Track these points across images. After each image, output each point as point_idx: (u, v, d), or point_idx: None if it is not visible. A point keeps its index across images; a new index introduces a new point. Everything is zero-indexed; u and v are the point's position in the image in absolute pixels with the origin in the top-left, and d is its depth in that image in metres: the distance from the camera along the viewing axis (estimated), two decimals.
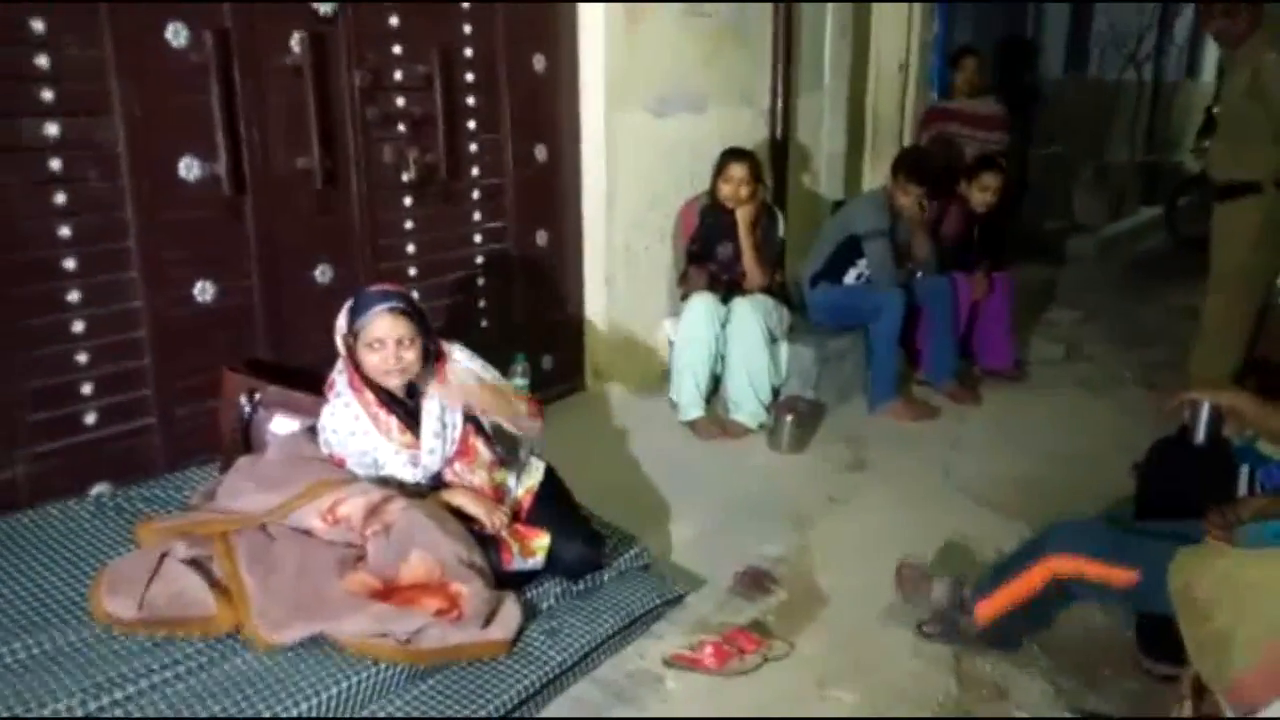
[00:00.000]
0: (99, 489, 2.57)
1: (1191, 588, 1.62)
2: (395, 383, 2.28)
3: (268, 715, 1.82)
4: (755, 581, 2.69)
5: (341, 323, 2.29)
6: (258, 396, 2.57)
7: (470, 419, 2.42)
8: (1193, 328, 4.81)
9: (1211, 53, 11.56)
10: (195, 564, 2.08)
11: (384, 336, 2.22)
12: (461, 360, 2.44)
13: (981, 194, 4.30)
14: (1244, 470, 2.14)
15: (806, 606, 2.60)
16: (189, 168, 2.60)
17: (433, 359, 2.33)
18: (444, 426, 2.35)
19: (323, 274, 2.98)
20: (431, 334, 2.34)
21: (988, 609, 2.20)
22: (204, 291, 2.69)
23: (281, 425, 2.55)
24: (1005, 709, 2.21)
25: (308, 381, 2.63)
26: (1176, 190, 7.97)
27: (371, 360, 2.23)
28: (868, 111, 5.89)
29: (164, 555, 2.07)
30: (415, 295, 2.44)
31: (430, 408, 2.33)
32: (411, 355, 2.24)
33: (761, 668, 2.33)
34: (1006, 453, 3.64)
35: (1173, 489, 2.35)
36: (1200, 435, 2.23)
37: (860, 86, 5.64)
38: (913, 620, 2.49)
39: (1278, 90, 3.27)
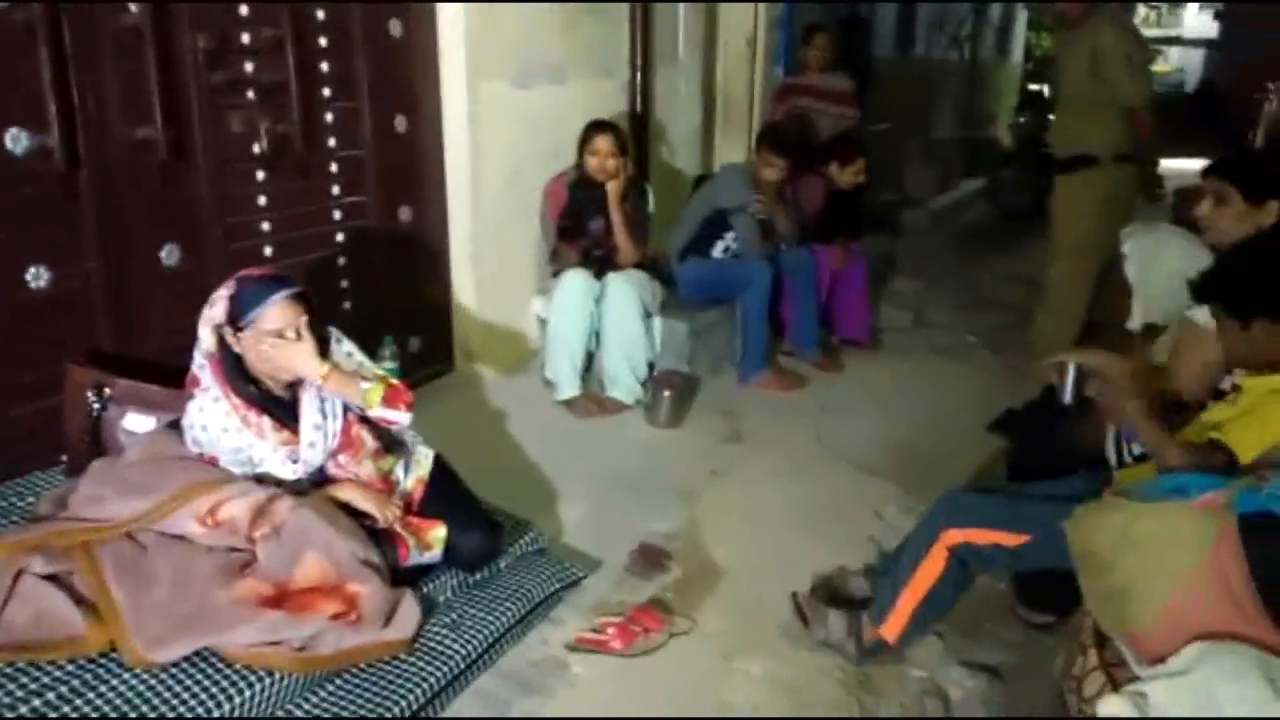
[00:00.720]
0: None
1: (1090, 541, 1.71)
2: (287, 378, 2.12)
3: None
4: (650, 559, 2.68)
5: (218, 313, 2.07)
6: (107, 392, 2.33)
7: (352, 409, 2.27)
8: (1024, 292, 5.15)
9: (1020, 35, 12.36)
10: (56, 580, 1.86)
11: (284, 327, 2.05)
12: (341, 342, 2.30)
13: (854, 176, 4.47)
14: (1111, 431, 2.27)
15: (703, 580, 2.61)
16: (16, 140, 2.30)
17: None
18: (324, 418, 2.19)
19: (169, 255, 2.72)
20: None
21: (895, 624, 2.18)
22: (37, 277, 2.40)
23: (136, 423, 2.32)
24: (903, 670, 2.28)
25: (159, 373, 2.41)
26: (998, 164, 8.46)
27: (265, 354, 2.05)
28: (717, 87, 5.95)
29: (19, 572, 1.84)
30: None
31: (309, 399, 2.17)
32: (308, 345, 2.08)
33: (667, 645, 2.32)
34: (873, 417, 3.77)
35: (1044, 449, 2.48)
36: (1068, 396, 2.35)
37: (710, 63, 5.68)
38: (806, 583, 2.55)
39: (1116, 68, 3.50)
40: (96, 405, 2.31)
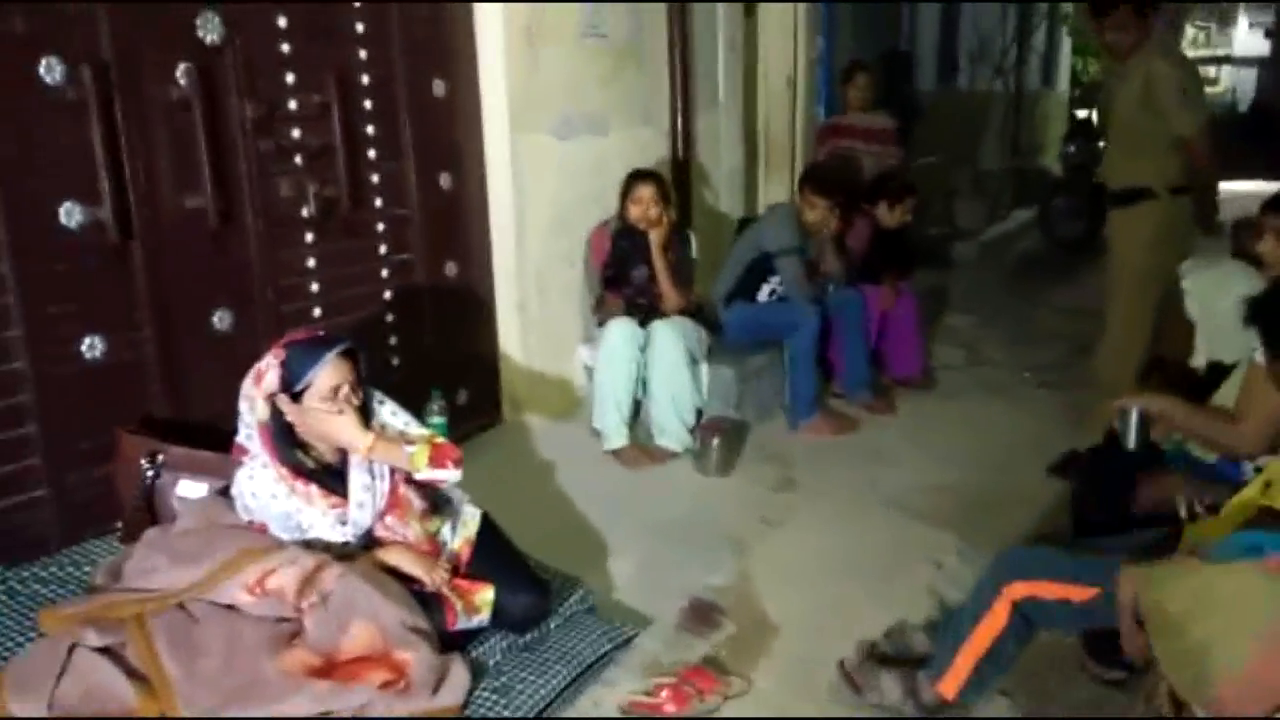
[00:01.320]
0: None
1: (1164, 602, 1.63)
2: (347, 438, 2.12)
3: None
4: (703, 615, 2.63)
5: (270, 381, 2.08)
6: (160, 459, 2.36)
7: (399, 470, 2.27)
8: (1079, 325, 5.03)
9: (1065, 63, 12.25)
10: (108, 653, 1.87)
11: (341, 382, 2.07)
12: (385, 407, 2.30)
13: (903, 216, 4.44)
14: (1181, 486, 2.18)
15: (757, 638, 2.55)
16: (70, 213, 2.36)
17: (371, 413, 2.18)
18: (373, 479, 2.19)
19: (221, 320, 2.77)
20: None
21: (954, 680, 2.09)
22: (92, 347, 2.45)
23: (189, 489, 2.34)
24: None
25: (212, 439, 2.43)
26: (1049, 194, 8.34)
27: (325, 414, 2.06)
28: (759, 128, 5.96)
29: (73, 646, 1.85)
30: None
31: (357, 460, 2.17)
32: (360, 401, 2.09)
33: (721, 708, 2.26)
34: (927, 461, 3.68)
35: (1110, 499, 2.40)
36: (1131, 441, 2.27)
37: (751, 104, 5.69)
38: (865, 639, 2.47)
39: (1168, 99, 3.42)
40: (150, 473, 2.34)
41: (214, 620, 1.92)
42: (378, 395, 2.30)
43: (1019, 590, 2.01)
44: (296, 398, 2.08)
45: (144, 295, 2.56)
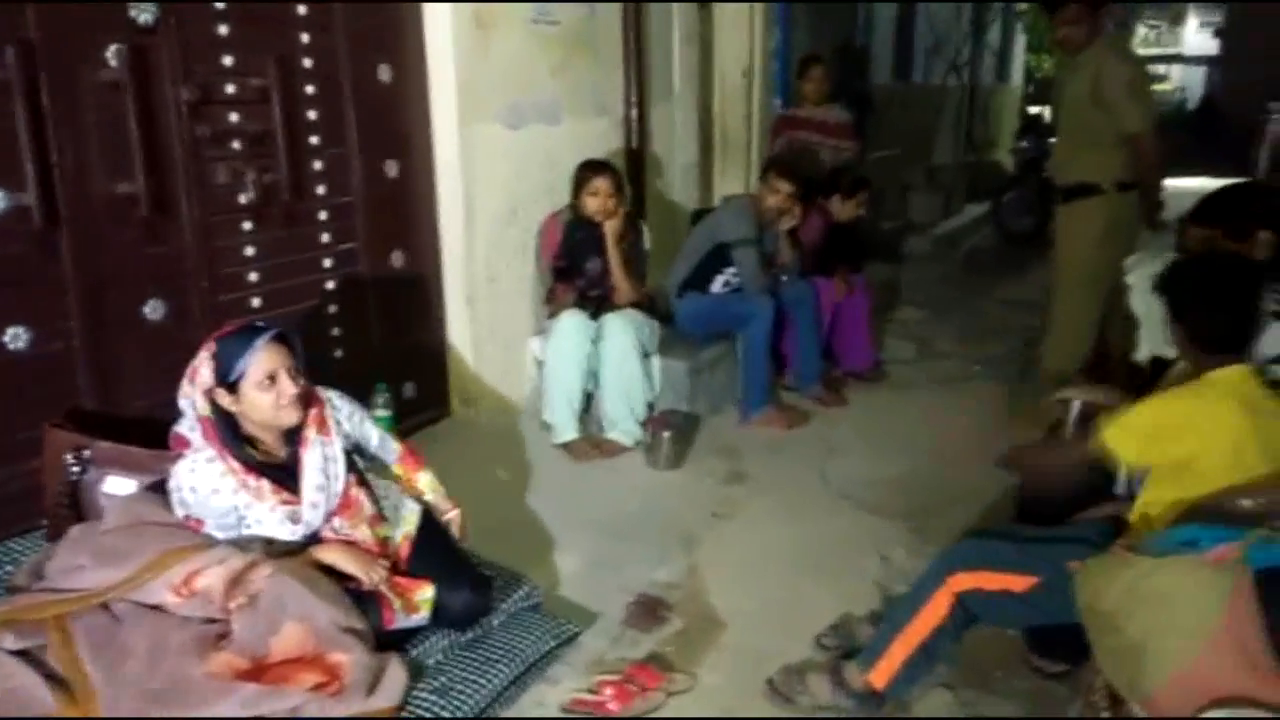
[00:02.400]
0: None
1: (1099, 599, 1.63)
2: (289, 421, 2.06)
3: None
4: (649, 611, 2.60)
5: (205, 376, 2.01)
6: (86, 454, 2.27)
7: (353, 469, 2.21)
8: (1029, 318, 5.08)
9: (1019, 59, 12.38)
10: (27, 656, 1.79)
11: (276, 368, 2.01)
12: (341, 406, 2.25)
13: (856, 209, 4.43)
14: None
15: (704, 633, 2.53)
16: None
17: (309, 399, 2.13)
18: (327, 479, 2.14)
19: (153, 310, 2.69)
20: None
21: (885, 670, 2.09)
22: (16, 339, 2.36)
23: (117, 486, 2.26)
24: None
25: (143, 433, 2.34)
26: (1001, 188, 8.42)
27: (263, 402, 2.00)
28: (715, 120, 5.92)
29: None
30: None
31: (311, 459, 2.12)
32: (299, 388, 2.04)
33: (665, 705, 2.24)
34: (878, 454, 3.69)
35: (1051, 485, 2.41)
36: (1071, 432, 2.29)
37: (707, 95, 5.66)
38: (811, 633, 2.47)
39: (1117, 95, 3.45)
40: (76, 468, 2.25)
41: (139, 621, 1.85)
42: (332, 397, 2.25)
43: (962, 581, 2.01)
44: (233, 389, 2.02)
45: (72, 284, 2.48)
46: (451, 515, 2.43)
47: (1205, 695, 1.48)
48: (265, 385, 2.01)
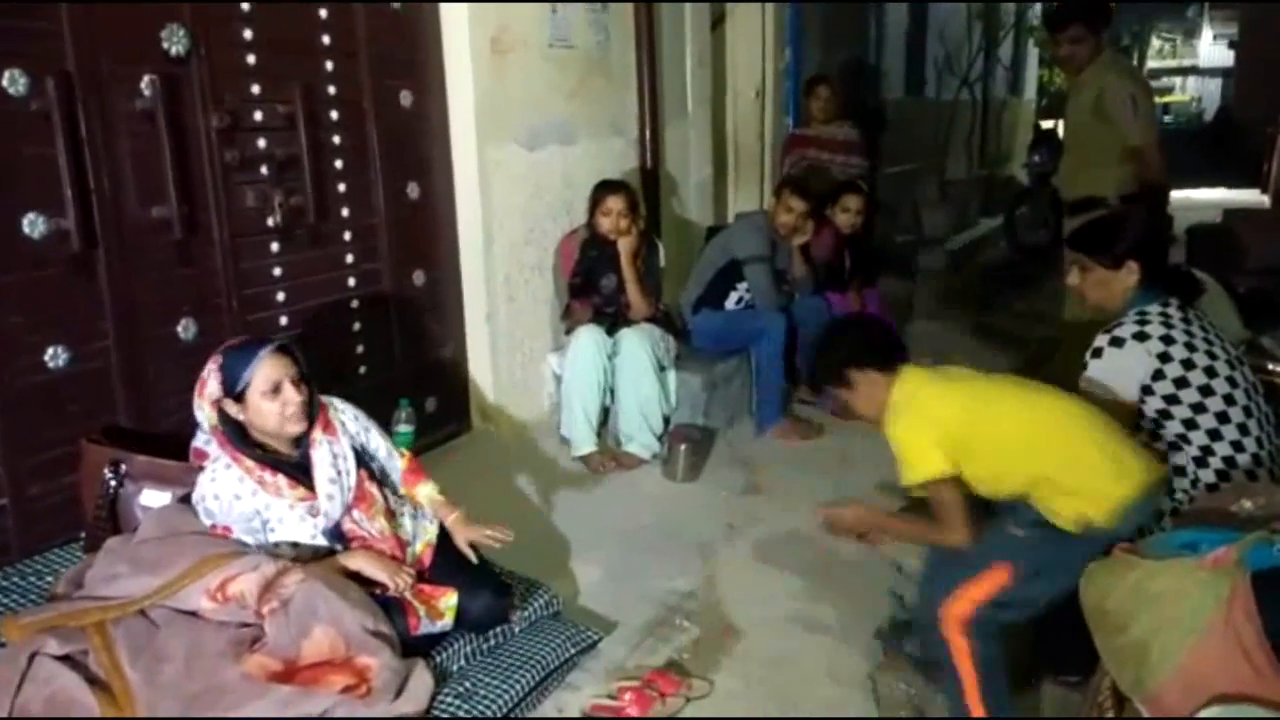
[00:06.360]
0: None
1: (1104, 600, 1.68)
2: (295, 430, 2.15)
3: None
4: (667, 620, 2.66)
5: (212, 388, 2.11)
6: (123, 468, 2.36)
7: (362, 465, 2.30)
8: (1044, 331, 5.10)
9: (1031, 72, 12.42)
10: (70, 660, 1.87)
11: (280, 378, 2.09)
12: (345, 410, 2.33)
13: (845, 215, 4.47)
14: None
15: (720, 641, 2.58)
16: (33, 224, 2.37)
17: (316, 407, 2.21)
18: (339, 474, 2.22)
19: (185, 330, 2.78)
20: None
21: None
22: (55, 357, 2.45)
23: (152, 498, 2.34)
24: None
25: (176, 448, 2.43)
26: (1013, 202, 8.45)
27: (269, 410, 2.09)
28: (728, 139, 6.02)
29: (34, 654, 1.85)
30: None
31: (321, 456, 2.20)
32: (305, 396, 2.12)
33: (684, 710, 2.29)
34: (891, 466, 3.70)
35: None
36: None
37: (720, 115, 5.76)
38: (824, 641, 2.51)
39: (1119, 112, 3.51)
40: (113, 482, 2.34)
41: (175, 627, 1.93)
42: (337, 403, 2.33)
43: (957, 610, 2.05)
44: (240, 399, 2.11)
45: (108, 305, 2.57)
46: (453, 517, 2.42)
47: (1206, 692, 1.52)
48: (270, 394, 2.10)
